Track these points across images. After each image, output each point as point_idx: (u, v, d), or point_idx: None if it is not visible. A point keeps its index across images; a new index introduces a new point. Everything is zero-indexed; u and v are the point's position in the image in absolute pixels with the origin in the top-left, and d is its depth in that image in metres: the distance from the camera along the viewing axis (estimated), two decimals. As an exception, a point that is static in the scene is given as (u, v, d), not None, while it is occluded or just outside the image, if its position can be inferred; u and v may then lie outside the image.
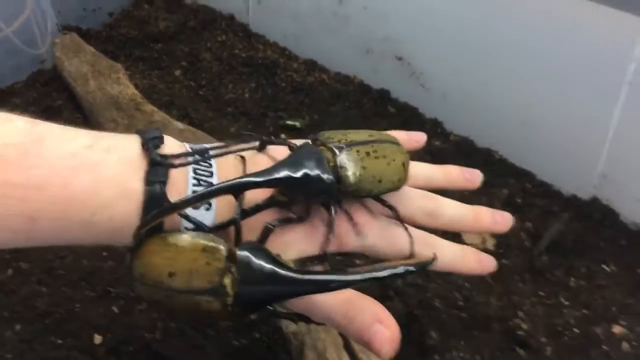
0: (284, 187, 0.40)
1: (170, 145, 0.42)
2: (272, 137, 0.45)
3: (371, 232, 0.44)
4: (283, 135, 0.71)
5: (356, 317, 0.39)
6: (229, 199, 0.40)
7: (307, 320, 0.43)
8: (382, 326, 0.39)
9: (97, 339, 0.62)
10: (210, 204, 0.41)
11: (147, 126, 0.72)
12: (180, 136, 0.45)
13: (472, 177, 0.54)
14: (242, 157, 0.44)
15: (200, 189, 0.40)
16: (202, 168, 0.42)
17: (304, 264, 0.42)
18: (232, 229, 0.40)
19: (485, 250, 0.75)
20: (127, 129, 0.79)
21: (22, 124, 0.38)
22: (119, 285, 0.68)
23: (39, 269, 0.68)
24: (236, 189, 0.39)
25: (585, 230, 0.78)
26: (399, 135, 0.51)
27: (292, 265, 0.38)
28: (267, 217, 0.41)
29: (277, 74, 0.99)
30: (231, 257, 0.37)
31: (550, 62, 0.78)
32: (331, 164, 0.41)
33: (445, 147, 0.89)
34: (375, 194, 0.44)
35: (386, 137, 0.47)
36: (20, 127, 0.38)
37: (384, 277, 0.38)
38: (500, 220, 0.52)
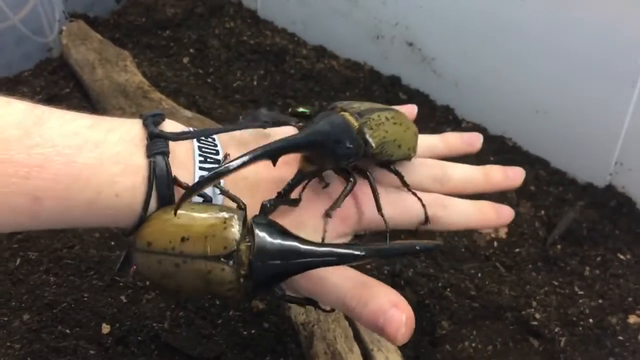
0: (314, 153, 0.41)
1: (174, 127, 0.42)
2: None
3: (386, 206, 0.44)
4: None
5: (370, 301, 0.38)
6: (233, 180, 0.40)
7: (316, 305, 0.42)
8: (398, 310, 0.38)
9: (105, 328, 0.62)
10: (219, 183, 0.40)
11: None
12: (188, 124, 0.45)
13: (471, 139, 0.54)
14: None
15: (207, 165, 0.40)
16: (207, 146, 0.42)
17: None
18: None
19: (498, 239, 0.74)
20: (134, 117, 0.78)
21: (22, 106, 0.38)
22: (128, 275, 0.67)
23: (47, 259, 0.68)
24: (278, 152, 0.38)
25: (601, 218, 0.76)
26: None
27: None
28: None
29: (285, 61, 0.98)
30: (248, 227, 0.37)
31: (565, 48, 0.76)
32: (355, 127, 0.42)
33: (457, 134, 0.87)
34: (394, 159, 0.45)
35: (396, 108, 0.49)
36: (21, 108, 0.38)
37: (402, 253, 0.37)
38: (512, 175, 0.51)
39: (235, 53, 1.00)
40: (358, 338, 0.57)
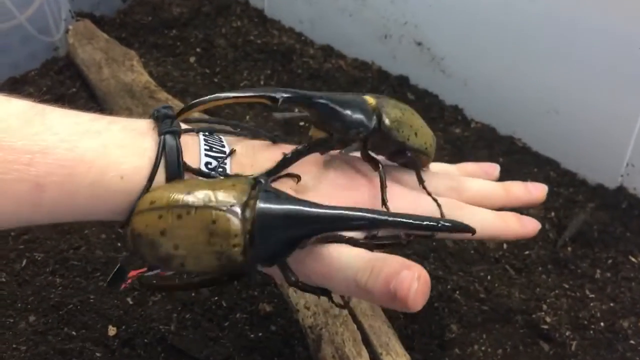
0: (323, 117, 0.40)
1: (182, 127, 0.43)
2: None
3: (401, 201, 0.43)
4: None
5: (383, 269, 0.36)
6: (240, 165, 0.40)
7: (329, 296, 0.41)
8: (409, 271, 0.36)
9: (112, 330, 0.62)
10: (224, 168, 0.40)
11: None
12: (194, 124, 0.45)
13: (489, 169, 0.53)
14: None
15: (212, 153, 0.41)
16: (212, 138, 0.42)
17: None
18: None
19: (507, 242, 0.73)
20: (141, 117, 0.78)
21: (23, 102, 0.38)
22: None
23: (53, 260, 0.67)
24: (284, 96, 0.38)
25: (612, 220, 0.75)
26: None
27: None
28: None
29: (293, 61, 0.97)
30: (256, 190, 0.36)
31: (576, 48, 0.75)
32: (372, 104, 0.43)
33: (466, 135, 0.87)
34: (410, 145, 0.44)
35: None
36: (22, 103, 0.38)
37: (419, 226, 0.36)
38: (534, 190, 0.50)
39: (242, 53, 0.99)
40: (366, 342, 0.56)
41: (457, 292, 0.68)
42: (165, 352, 0.60)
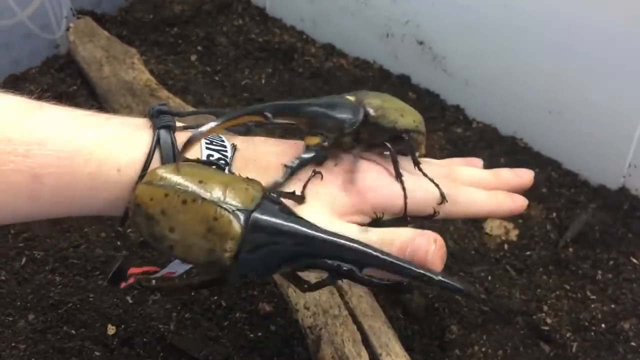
0: (312, 122, 0.41)
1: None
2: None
3: (406, 182, 0.44)
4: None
5: (395, 240, 0.37)
6: (244, 162, 0.40)
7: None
8: (423, 237, 0.36)
9: (111, 329, 0.62)
10: (226, 158, 0.40)
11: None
12: (195, 122, 0.44)
13: (475, 162, 0.55)
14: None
15: (213, 147, 0.40)
16: (212, 136, 0.42)
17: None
18: None
19: (508, 242, 0.73)
20: (141, 116, 0.78)
21: (20, 97, 0.38)
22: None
23: (53, 258, 0.67)
24: (271, 110, 0.39)
25: (613, 221, 0.75)
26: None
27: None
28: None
29: (294, 59, 0.97)
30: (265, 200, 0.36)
31: (578, 47, 0.74)
32: (352, 99, 0.45)
33: (467, 134, 0.86)
34: (400, 127, 0.46)
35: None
36: (19, 98, 0.38)
37: (410, 273, 0.35)
38: (522, 174, 0.51)
39: (243, 51, 0.99)
40: (366, 342, 0.56)
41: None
42: (165, 351, 0.60)
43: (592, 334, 0.64)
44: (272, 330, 0.62)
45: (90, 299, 0.64)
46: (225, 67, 0.96)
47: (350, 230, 0.39)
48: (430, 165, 0.50)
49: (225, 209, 0.34)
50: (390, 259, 0.35)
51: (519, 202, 0.50)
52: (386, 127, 0.45)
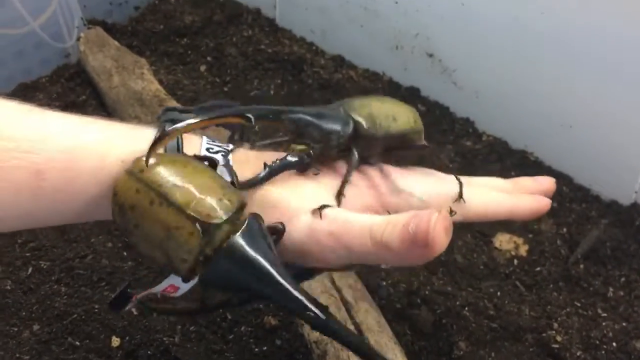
0: (304, 130, 0.40)
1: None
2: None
3: (419, 180, 0.43)
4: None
5: (399, 220, 0.35)
6: (238, 161, 0.39)
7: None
8: (426, 213, 0.34)
9: (115, 341, 0.61)
10: (226, 152, 0.39)
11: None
12: (202, 132, 0.44)
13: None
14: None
15: (213, 145, 0.40)
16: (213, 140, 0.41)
17: None
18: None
19: (518, 257, 0.72)
20: (150, 126, 0.78)
21: (19, 102, 0.38)
22: (139, 287, 0.66)
23: (59, 268, 0.67)
24: (254, 113, 0.37)
25: (625, 237, 0.74)
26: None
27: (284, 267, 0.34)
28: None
29: (303, 70, 0.97)
30: (238, 216, 0.34)
31: (592, 61, 0.74)
32: (340, 110, 0.42)
33: (477, 148, 0.86)
34: (396, 132, 0.44)
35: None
36: (19, 102, 0.38)
37: (354, 347, 0.33)
38: (543, 180, 0.49)
39: (253, 62, 0.99)
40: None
41: (466, 308, 0.66)
42: (169, 364, 0.60)
43: (603, 352, 0.63)
44: (277, 345, 0.61)
45: (95, 310, 0.63)
46: (235, 78, 0.96)
47: (358, 216, 0.38)
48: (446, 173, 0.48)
49: (189, 218, 0.32)
50: (339, 335, 0.33)
51: (542, 202, 0.47)
52: (378, 136, 0.43)
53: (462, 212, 0.44)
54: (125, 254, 0.69)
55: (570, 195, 0.80)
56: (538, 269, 0.71)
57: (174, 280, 0.39)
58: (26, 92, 0.91)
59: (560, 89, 0.78)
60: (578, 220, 0.77)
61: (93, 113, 0.86)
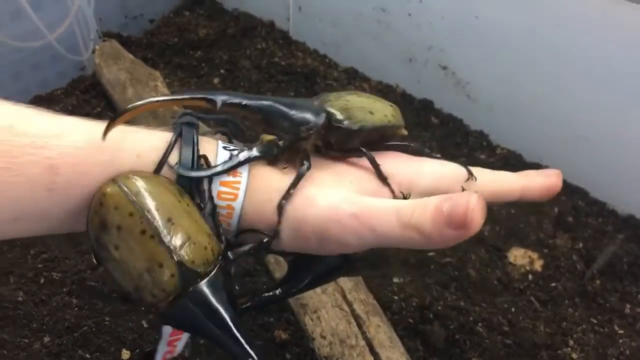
0: (273, 119, 0.38)
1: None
2: None
3: (434, 165, 0.42)
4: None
5: (429, 203, 0.35)
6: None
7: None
8: (459, 195, 0.34)
9: (125, 354, 0.61)
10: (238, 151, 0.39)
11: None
12: (219, 138, 0.44)
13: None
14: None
15: (229, 145, 0.39)
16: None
17: None
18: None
19: (532, 272, 0.71)
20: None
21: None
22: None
23: (70, 280, 0.67)
24: (221, 99, 0.37)
25: (643, 253, 0.73)
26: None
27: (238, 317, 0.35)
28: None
29: (316, 83, 0.96)
30: (218, 260, 0.35)
31: (609, 73, 0.73)
32: (316, 103, 0.41)
33: (491, 161, 0.85)
34: (372, 126, 0.42)
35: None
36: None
37: None
38: (549, 172, 0.46)
39: (266, 74, 0.99)
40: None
41: (480, 324, 0.65)
42: (179, 378, 0.59)
43: (620, 370, 0.62)
44: (287, 359, 0.61)
45: (106, 323, 0.63)
46: (248, 90, 0.96)
47: (382, 201, 0.38)
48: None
49: (173, 262, 0.33)
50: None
51: (553, 177, 0.45)
52: (353, 129, 0.41)
53: (472, 184, 0.43)
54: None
55: (586, 210, 0.79)
56: (553, 284, 0.70)
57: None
58: (42, 104, 0.91)
59: (576, 102, 0.77)
60: (594, 235, 0.76)
61: (107, 125, 0.87)
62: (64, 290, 0.66)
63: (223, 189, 0.37)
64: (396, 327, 0.61)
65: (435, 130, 0.88)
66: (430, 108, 0.92)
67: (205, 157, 0.37)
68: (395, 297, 0.67)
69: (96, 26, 0.99)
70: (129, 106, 0.35)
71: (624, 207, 0.77)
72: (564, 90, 0.78)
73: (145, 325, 0.63)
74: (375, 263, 0.41)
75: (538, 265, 0.72)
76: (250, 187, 0.38)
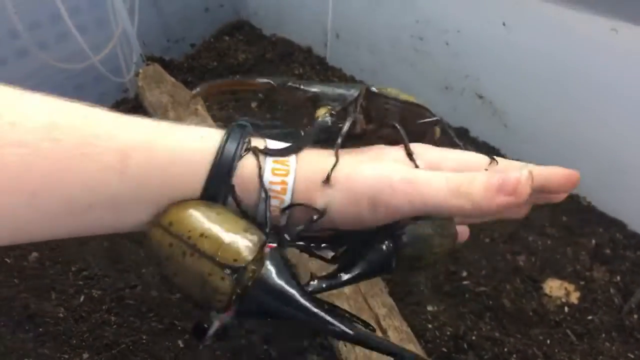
0: (318, 96, 0.45)
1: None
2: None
3: (454, 155, 0.44)
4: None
5: (476, 176, 0.37)
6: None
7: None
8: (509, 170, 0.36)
9: (161, 373, 0.62)
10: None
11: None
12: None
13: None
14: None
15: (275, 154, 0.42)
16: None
17: None
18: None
19: (569, 304, 0.70)
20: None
21: None
22: (186, 319, 0.67)
23: (109, 297, 0.69)
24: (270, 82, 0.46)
25: (683, 288, 0.71)
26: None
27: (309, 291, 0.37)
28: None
29: (352, 108, 0.97)
30: (261, 253, 0.38)
31: (646, 105, 0.72)
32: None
33: (527, 190, 0.84)
34: (406, 99, 0.47)
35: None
36: None
37: (388, 352, 0.36)
38: (567, 170, 0.47)
39: (303, 99, 1.00)
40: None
41: (514, 355, 0.65)
42: (213, 398, 0.60)
43: (659, 409, 0.61)
44: (320, 383, 0.61)
45: (143, 341, 0.64)
46: (285, 114, 0.98)
47: (430, 172, 0.39)
48: None
49: (218, 267, 0.36)
50: (372, 344, 0.36)
51: (573, 172, 0.46)
52: (389, 97, 0.47)
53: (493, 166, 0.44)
54: (173, 285, 0.70)
55: (624, 242, 0.77)
56: (590, 317, 0.69)
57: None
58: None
59: (614, 134, 0.77)
60: (632, 268, 0.75)
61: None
62: (103, 307, 0.68)
63: (276, 165, 0.40)
64: (430, 355, 0.61)
65: (470, 158, 0.88)
66: (466, 136, 0.92)
67: (255, 148, 0.41)
68: (430, 326, 0.67)
69: (140, 50, 1.02)
70: (196, 89, 0.43)
71: (664, 240, 0.76)
72: (603, 122, 0.77)
73: (182, 345, 0.64)
74: (416, 256, 0.41)
75: (574, 297, 0.71)
76: (300, 163, 0.41)
